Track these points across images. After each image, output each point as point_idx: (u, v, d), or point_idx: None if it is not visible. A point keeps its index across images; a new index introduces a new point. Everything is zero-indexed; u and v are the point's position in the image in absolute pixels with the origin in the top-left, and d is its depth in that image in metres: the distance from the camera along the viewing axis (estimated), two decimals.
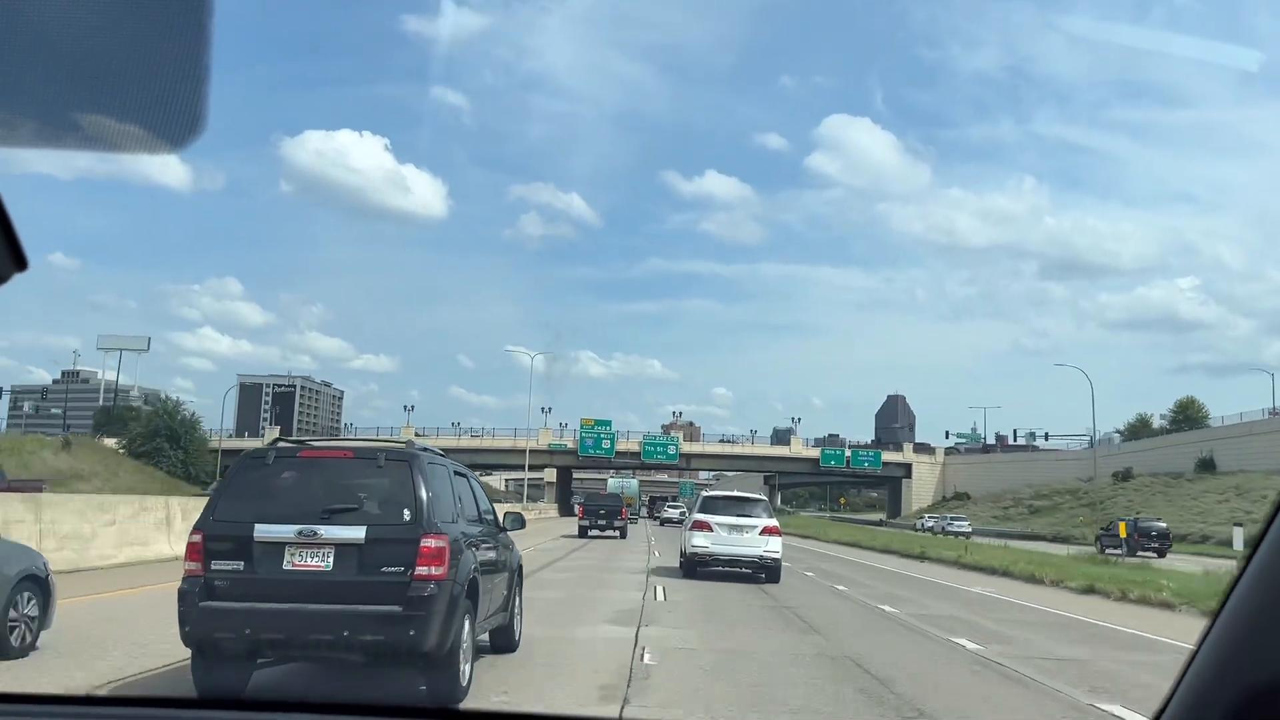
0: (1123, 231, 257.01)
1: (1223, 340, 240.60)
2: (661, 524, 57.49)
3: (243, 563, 6.88)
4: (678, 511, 66.10)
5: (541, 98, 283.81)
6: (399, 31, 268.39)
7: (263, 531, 6.89)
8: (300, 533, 6.86)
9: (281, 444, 7.91)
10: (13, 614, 8.56)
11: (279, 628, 6.78)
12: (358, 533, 6.88)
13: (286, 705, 3.39)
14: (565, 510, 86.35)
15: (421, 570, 6.81)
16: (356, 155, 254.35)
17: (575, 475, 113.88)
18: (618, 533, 42.16)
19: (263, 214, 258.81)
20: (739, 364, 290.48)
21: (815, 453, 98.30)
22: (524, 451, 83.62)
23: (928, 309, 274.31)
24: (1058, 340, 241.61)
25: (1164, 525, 47.24)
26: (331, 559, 6.85)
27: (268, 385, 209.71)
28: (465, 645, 7.28)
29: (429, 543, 6.87)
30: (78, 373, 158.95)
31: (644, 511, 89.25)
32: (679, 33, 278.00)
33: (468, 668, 7.40)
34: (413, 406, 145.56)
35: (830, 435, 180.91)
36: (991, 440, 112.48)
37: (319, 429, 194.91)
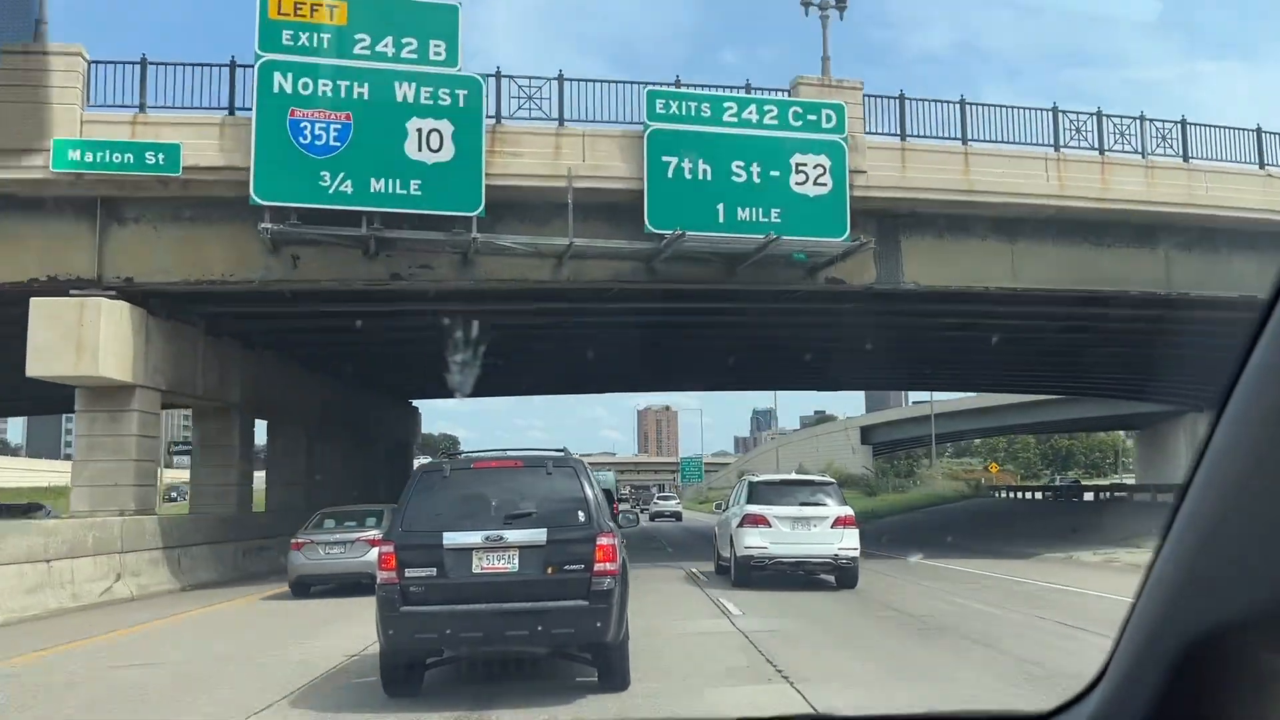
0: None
1: None
2: (652, 519, 51.35)
3: (435, 569, 7.38)
4: (670, 503, 59.94)
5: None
6: None
7: (451, 539, 7.41)
8: (486, 538, 7.43)
9: (453, 457, 8.41)
10: None
11: (476, 627, 7.33)
12: (539, 535, 7.45)
13: None
14: None
15: (599, 566, 7.38)
16: None
17: None
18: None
19: None
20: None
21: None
22: None
23: None
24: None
25: None
26: (516, 560, 7.43)
27: None
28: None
29: (604, 541, 7.47)
30: None
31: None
32: (629, 25, 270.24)
33: None
34: None
35: (817, 412, 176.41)
36: None
37: None
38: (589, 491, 7.77)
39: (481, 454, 8.62)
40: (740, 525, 15.87)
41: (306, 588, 16.44)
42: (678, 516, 55.85)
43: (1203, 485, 1.29)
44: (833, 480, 17.91)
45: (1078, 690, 1.65)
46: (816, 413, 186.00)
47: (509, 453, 8.65)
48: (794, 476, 18.06)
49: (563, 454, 8.24)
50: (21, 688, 8.49)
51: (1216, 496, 1.28)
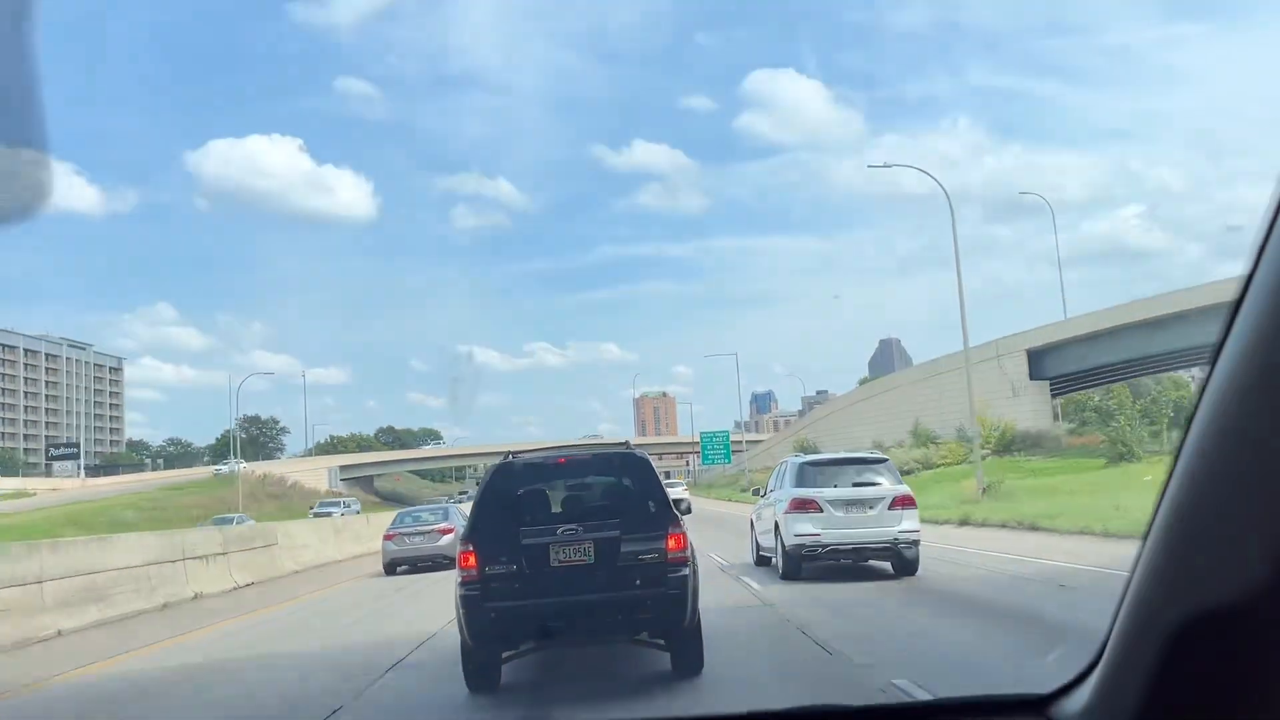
0: (1064, 164, 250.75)
1: (1171, 267, 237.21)
2: None
3: (514, 565, 7.47)
4: (676, 490, 57.16)
5: (478, 92, 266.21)
6: (302, 25, 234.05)
7: (528, 535, 7.55)
8: (562, 532, 7.55)
9: (524, 454, 8.47)
10: None
11: (558, 619, 7.47)
12: (613, 528, 7.59)
13: None
14: None
15: (673, 555, 7.56)
16: (269, 160, 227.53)
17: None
18: None
19: (182, 233, 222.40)
20: (698, 342, 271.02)
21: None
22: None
23: (877, 265, 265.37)
24: (1009, 284, 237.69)
25: None
26: (592, 553, 7.52)
27: None
28: None
29: (675, 531, 7.64)
30: None
31: None
32: (608, 14, 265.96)
33: None
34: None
35: (819, 391, 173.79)
36: None
37: (74, 412, 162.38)
38: (657, 484, 8.06)
39: (551, 451, 8.93)
40: (787, 511, 14.29)
41: (395, 568, 21.69)
42: (686, 508, 54.09)
43: (1188, 469, 1.33)
44: (885, 457, 16.21)
45: (1077, 672, 1.68)
46: (819, 392, 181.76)
47: (576, 449, 8.96)
48: (844, 454, 16.25)
49: (628, 448, 8.52)
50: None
51: (1204, 480, 1.31)
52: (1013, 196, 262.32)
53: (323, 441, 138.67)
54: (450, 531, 21.39)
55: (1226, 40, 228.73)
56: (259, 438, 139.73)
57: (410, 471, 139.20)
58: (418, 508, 26.92)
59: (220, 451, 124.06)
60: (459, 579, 7.64)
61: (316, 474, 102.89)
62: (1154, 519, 1.40)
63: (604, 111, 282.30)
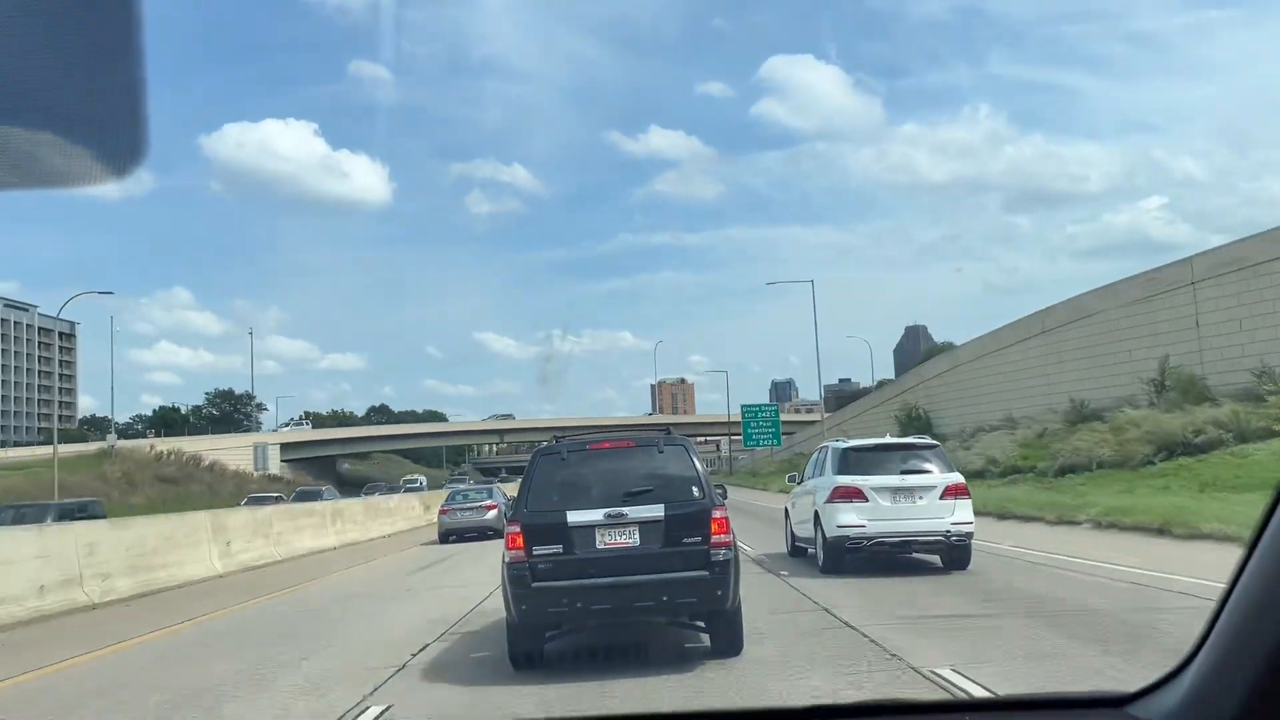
0: (1087, 156, 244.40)
1: None
2: None
3: (561, 546, 7.77)
4: None
5: (492, 77, 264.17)
6: (316, 7, 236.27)
7: (575, 517, 7.83)
8: (608, 515, 7.84)
9: (567, 439, 8.76)
10: None
11: (605, 599, 7.77)
12: (657, 511, 7.85)
13: None
14: None
15: (715, 539, 7.82)
16: (284, 144, 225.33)
17: None
18: None
19: (198, 217, 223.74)
20: (714, 331, 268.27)
21: None
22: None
23: (896, 255, 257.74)
24: (1028, 276, 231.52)
25: None
26: (637, 535, 7.84)
27: None
28: None
29: (717, 514, 7.93)
30: None
31: None
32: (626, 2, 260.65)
33: None
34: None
35: (842, 380, 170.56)
36: None
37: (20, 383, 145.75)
38: (699, 467, 8.33)
39: (595, 435, 9.06)
40: (829, 500, 13.49)
41: (448, 537, 25.71)
42: None
43: None
44: (936, 442, 15.19)
45: (1164, 672, 1.65)
46: (841, 380, 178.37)
47: (620, 433, 9.20)
48: (891, 440, 15.31)
49: (670, 433, 8.73)
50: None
51: None
52: (1033, 186, 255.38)
53: (296, 419, 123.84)
54: (494, 508, 25.85)
55: (1255, 27, 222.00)
56: (232, 414, 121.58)
57: (397, 452, 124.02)
58: (466, 488, 33.87)
59: (199, 429, 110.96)
60: (507, 559, 7.92)
61: (244, 453, 76.98)
62: (1261, 530, 1.38)
63: (620, 97, 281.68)
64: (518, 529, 7.88)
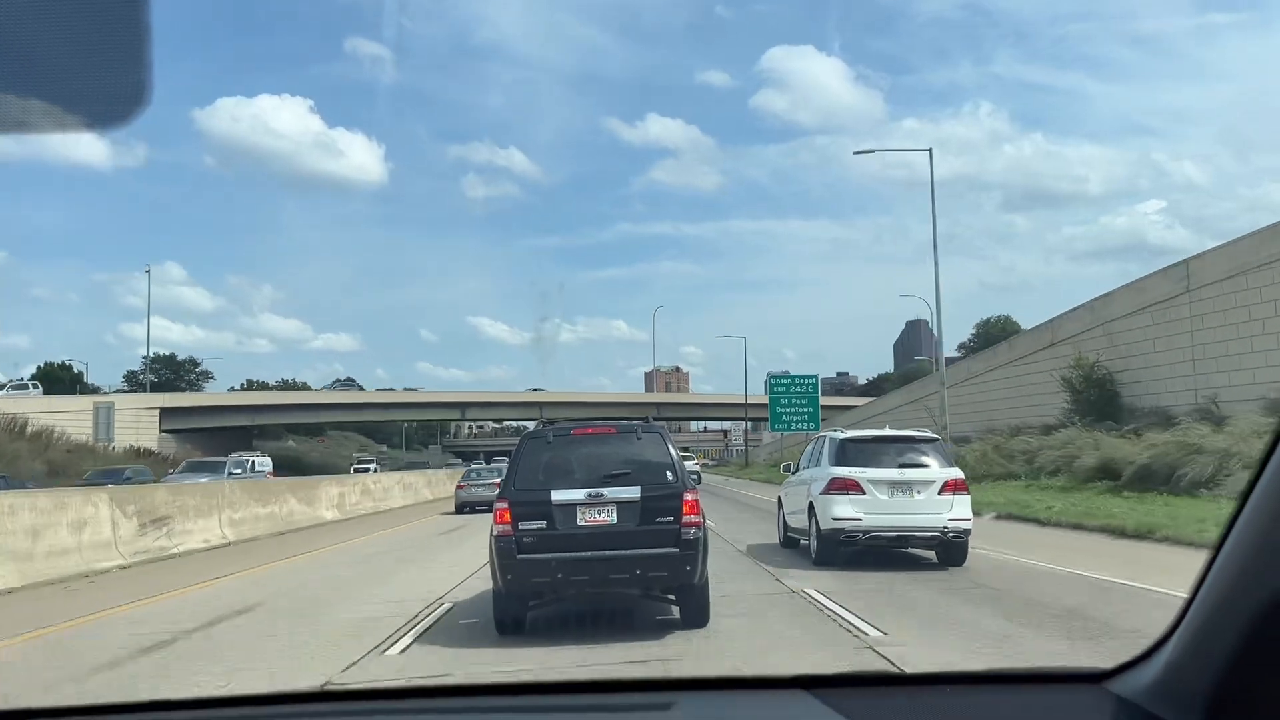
0: (1087, 156, 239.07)
1: None
2: None
3: (544, 522, 8.46)
4: (689, 463, 52.06)
5: (491, 60, 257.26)
6: None
7: (559, 496, 8.51)
8: (589, 495, 8.51)
9: (554, 425, 10.06)
10: None
11: (582, 571, 8.44)
12: (634, 492, 8.54)
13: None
14: None
15: (686, 519, 8.50)
16: (279, 120, 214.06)
17: None
18: None
19: (191, 192, 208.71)
20: (710, 323, 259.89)
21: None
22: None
23: (894, 252, 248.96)
24: (1024, 275, 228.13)
25: None
26: (615, 514, 8.50)
27: None
28: None
29: (689, 497, 8.61)
30: None
31: None
32: None
33: None
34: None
35: (839, 373, 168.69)
36: None
37: None
38: (674, 454, 9.02)
39: (579, 422, 9.96)
40: (824, 492, 13.28)
41: (463, 509, 30.86)
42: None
43: None
44: (936, 436, 14.87)
45: (1142, 649, 1.67)
46: (839, 374, 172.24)
47: (601, 420, 9.95)
48: (890, 432, 15.00)
49: (649, 422, 9.70)
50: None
51: None
52: (1032, 185, 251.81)
53: (238, 387, 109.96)
54: None
55: (1260, 32, 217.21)
56: (174, 381, 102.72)
57: (359, 430, 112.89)
58: (480, 466, 40.14)
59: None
60: (495, 533, 8.56)
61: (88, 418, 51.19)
62: (1245, 499, 1.39)
63: (618, 83, 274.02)
64: (505, 505, 8.58)
